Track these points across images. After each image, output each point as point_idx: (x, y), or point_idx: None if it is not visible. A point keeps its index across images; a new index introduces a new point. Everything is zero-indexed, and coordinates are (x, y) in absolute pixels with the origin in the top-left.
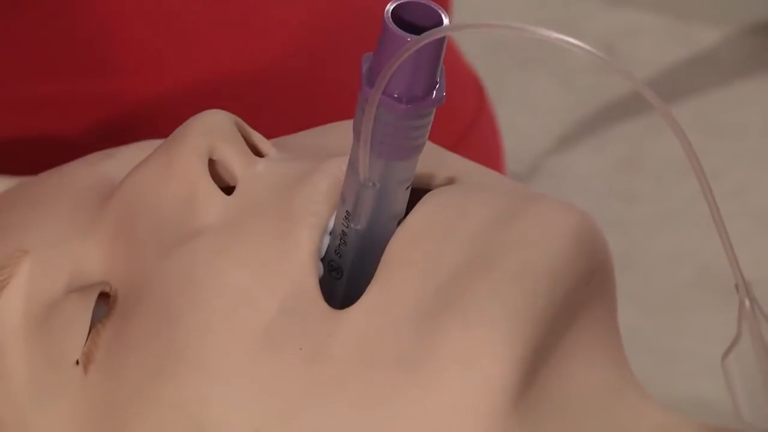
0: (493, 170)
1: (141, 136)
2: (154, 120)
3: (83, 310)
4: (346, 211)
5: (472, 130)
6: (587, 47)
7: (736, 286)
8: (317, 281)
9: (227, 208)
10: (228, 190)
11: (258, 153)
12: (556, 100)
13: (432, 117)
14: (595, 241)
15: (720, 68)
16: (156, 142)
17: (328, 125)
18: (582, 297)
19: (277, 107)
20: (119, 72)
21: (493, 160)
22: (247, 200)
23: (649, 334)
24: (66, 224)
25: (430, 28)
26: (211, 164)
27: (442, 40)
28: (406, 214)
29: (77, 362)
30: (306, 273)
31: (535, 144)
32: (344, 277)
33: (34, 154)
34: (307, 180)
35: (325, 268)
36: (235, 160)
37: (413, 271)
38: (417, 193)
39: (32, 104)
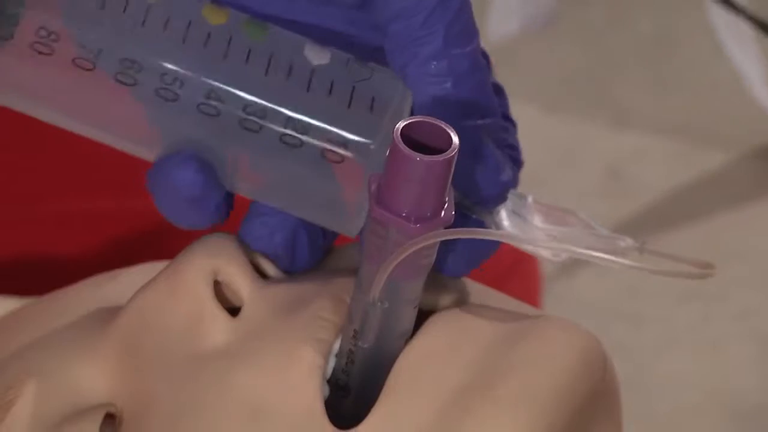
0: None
1: (148, 256)
2: (162, 239)
3: (89, 431)
4: (354, 329)
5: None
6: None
7: None
8: (323, 402)
9: (233, 330)
10: (233, 309)
11: (262, 274)
12: None
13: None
14: (599, 361)
15: (726, 192)
16: (160, 264)
17: (332, 248)
18: (587, 418)
19: None
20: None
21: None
22: (252, 323)
23: None
24: (71, 346)
25: (439, 148)
26: (217, 285)
27: (451, 159)
28: (414, 333)
29: None
30: (312, 394)
31: (543, 266)
32: (352, 395)
33: (39, 274)
34: (312, 302)
35: (331, 388)
36: (240, 283)
37: (418, 392)
38: (423, 314)
39: (40, 223)
